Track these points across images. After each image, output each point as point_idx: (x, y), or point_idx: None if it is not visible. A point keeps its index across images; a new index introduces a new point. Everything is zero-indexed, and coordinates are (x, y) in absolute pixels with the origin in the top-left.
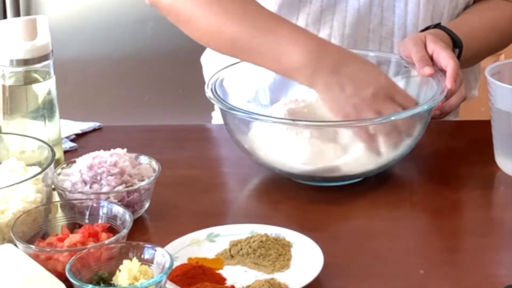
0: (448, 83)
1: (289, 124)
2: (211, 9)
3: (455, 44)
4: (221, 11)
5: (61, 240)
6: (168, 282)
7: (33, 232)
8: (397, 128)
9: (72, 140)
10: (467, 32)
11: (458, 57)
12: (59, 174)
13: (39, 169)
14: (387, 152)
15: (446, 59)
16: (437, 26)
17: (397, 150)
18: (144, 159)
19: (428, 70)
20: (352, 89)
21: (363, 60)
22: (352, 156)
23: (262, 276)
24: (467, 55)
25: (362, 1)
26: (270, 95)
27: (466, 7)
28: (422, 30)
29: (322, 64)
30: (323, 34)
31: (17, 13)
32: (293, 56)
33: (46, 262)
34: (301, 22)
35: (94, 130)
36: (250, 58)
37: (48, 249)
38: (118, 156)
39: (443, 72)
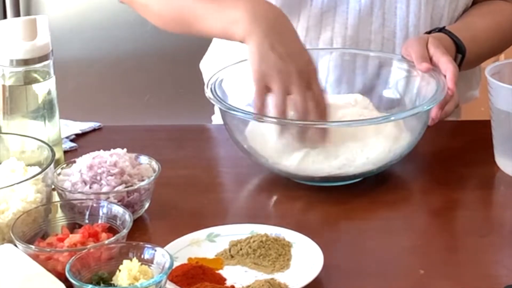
0: (450, 85)
1: (288, 124)
2: None
3: (458, 49)
4: None
5: (61, 240)
6: (168, 282)
7: (33, 232)
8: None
9: (72, 140)
10: (470, 36)
11: (461, 62)
12: (59, 174)
13: (39, 169)
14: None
15: (445, 63)
16: (442, 30)
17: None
18: (144, 159)
19: (425, 65)
20: (281, 53)
21: (297, 34)
22: (350, 156)
23: (262, 276)
24: (470, 58)
25: (363, 3)
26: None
27: (465, 9)
28: (426, 33)
29: (261, 19)
30: (324, 36)
31: (17, 13)
32: (234, 12)
33: (46, 262)
34: (302, 24)
35: (94, 130)
36: (197, 27)
37: (48, 249)
38: (118, 156)
39: (443, 75)
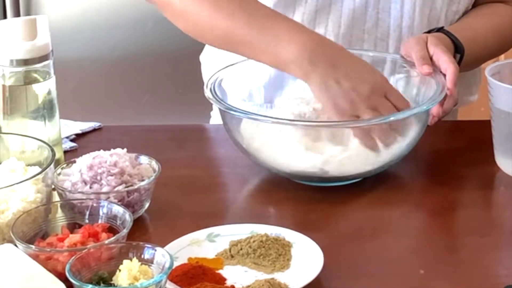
0: (449, 85)
1: (287, 124)
2: (204, 3)
3: (457, 49)
4: (215, 5)
5: (61, 240)
6: (168, 282)
7: (33, 232)
8: (391, 127)
9: (72, 140)
10: (468, 36)
11: (459, 62)
12: (59, 174)
13: (39, 169)
14: (382, 151)
15: (446, 62)
16: (440, 29)
17: (391, 149)
18: (144, 159)
19: (426, 68)
20: (349, 85)
21: (358, 57)
22: (349, 155)
23: (262, 276)
24: (468, 59)
25: (357, 2)
26: (265, 94)
27: (465, 12)
28: (425, 33)
29: (319, 57)
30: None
31: (17, 13)
32: (290, 48)
33: (46, 262)
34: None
35: (94, 130)
36: (245, 52)
37: (48, 249)
38: (118, 156)
39: (443, 74)
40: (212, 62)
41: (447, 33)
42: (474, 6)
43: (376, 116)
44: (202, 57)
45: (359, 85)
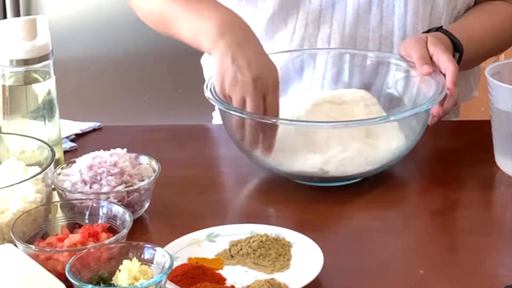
0: (449, 85)
1: (287, 124)
2: None
3: (456, 48)
4: None
5: (61, 240)
6: (168, 282)
7: (33, 232)
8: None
9: (72, 140)
10: (468, 35)
11: (458, 61)
12: (59, 174)
13: (39, 169)
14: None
15: (446, 62)
16: (439, 29)
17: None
18: (144, 159)
19: (426, 68)
20: (240, 64)
21: (263, 50)
22: (349, 155)
23: (262, 276)
24: (468, 58)
25: (361, 1)
26: None
27: (467, 9)
28: (424, 32)
29: (228, 31)
30: (323, 33)
31: (17, 13)
32: (205, 24)
33: (46, 262)
34: (300, 21)
35: (94, 130)
36: (171, 30)
37: (48, 249)
38: (118, 156)
39: (442, 74)
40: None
41: (446, 33)
42: (475, 3)
43: (376, 117)
44: (203, 61)
45: (247, 70)
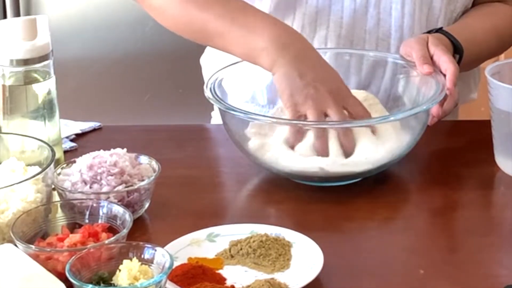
0: (449, 85)
1: (287, 124)
2: None
3: (456, 50)
4: None
5: (61, 240)
6: (168, 282)
7: (33, 232)
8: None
9: (72, 140)
10: (468, 37)
11: (458, 62)
12: (59, 174)
13: (39, 169)
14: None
15: (446, 63)
16: (439, 30)
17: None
18: (144, 159)
19: (427, 68)
20: (312, 79)
21: (320, 56)
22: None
23: (262, 276)
24: (468, 59)
25: (358, 2)
26: (268, 95)
27: (464, 11)
28: (425, 33)
29: (289, 47)
30: (319, 35)
31: (17, 13)
32: (262, 37)
33: (46, 262)
34: (297, 22)
35: (94, 130)
36: (219, 43)
37: (48, 249)
38: (118, 156)
39: (443, 75)
40: (213, 65)
41: (446, 34)
42: (473, 5)
43: (376, 117)
44: (203, 60)
45: (320, 84)
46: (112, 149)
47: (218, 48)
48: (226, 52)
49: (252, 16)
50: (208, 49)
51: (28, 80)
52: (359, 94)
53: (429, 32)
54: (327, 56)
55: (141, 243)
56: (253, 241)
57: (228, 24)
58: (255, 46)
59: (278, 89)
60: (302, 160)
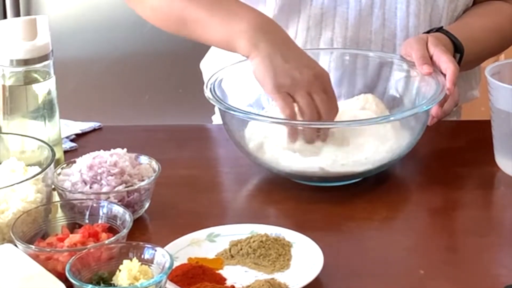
0: (449, 85)
1: (287, 124)
2: None
3: (456, 49)
4: None
5: (61, 240)
6: (168, 282)
7: (33, 232)
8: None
9: (72, 140)
10: (468, 36)
11: (459, 61)
12: (59, 174)
13: (39, 169)
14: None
15: (446, 62)
16: (439, 29)
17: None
18: (144, 159)
19: (426, 68)
20: (295, 64)
21: (301, 48)
22: (349, 155)
23: (262, 276)
24: (468, 58)
25: (363, 3)
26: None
27: (466, 9)
28: (425, 33)
29: (270, 32)
30: (325, 36)
31: (17, 13)
32: (243, 22)
33: (46, 262)
34: (302, 24)
35: (94, 130)
36: (197, 31)
37: (48, 249)
38: (118, 156)
39: (443, 75)
40: (213, 70)
41: (446, 33)
42: (474, 4)
43: (377, 117)
44: (203, 65)
45: (304, 68)
46: (112, 149)
47: (196, 37)
48: (204, 42)
49: (232, 4)
50: (208, 54)
51: (28, 80)
52: (363, 99)
53: (429, 31)
54: (333, 57)
55: (141, 243)
56: (253, 241)
57: (207, 11)
58: (234, 30)
59: (258, 72)
60: (302, 160)
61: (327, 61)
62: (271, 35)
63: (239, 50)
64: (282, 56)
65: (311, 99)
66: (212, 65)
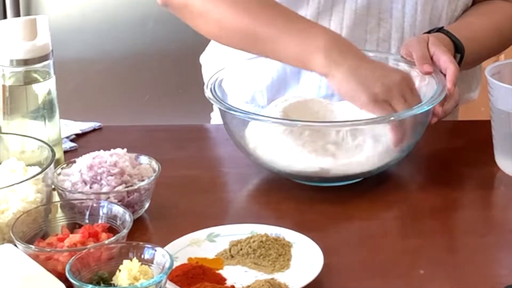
0: (449, 85)
1: (287, 124)
2: (225, 2)
3: (457, 49)
4: (235, 4)
5: (61, 240)
6: (168, 282)
7: (33, 232)
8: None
9: (72, 140)
10: (468, 35)
11: (460, 61)
12: (59, 174)
13: (39, 169)
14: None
15: (446, 62)
16: (440, 29)
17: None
18: (144, 159)
19: (427, 67)
20: (382, 70)
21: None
22: (349, 156)
23: (262, 276)
24: (469, 58)
25: (359, 3)
26: (268, 96)
27: (465, 9)
28: (425, 33)
29: (348, 49)
30: None
31: (17, 13)
32: (319, 39)
33: (46, 262)
34: None
35: (94, 130)
36: (267, 49)
37: (48, 249)
38: (118, 156)
39: (443, 75)
40: (213, 64)
41: (447, 33)
42: (473, 3)
43: (377, 117)
44: (203, 59)
45: (391, 72)
46: (112, 149)
47: (265, 54)
48: (275, 59)
49: (303, 23)
50: (208, 48)
51: (28, 80)
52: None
53: (429, 31)
54: None
55: (141, 243)
56: (253, 241)
57: (278, 26)
58: (309, 47)
59: (345, 88)
60: (302, 160)
61: None
62: (347, 51)
63: (316, 67)
64: (366, 67)
65: (405, 102)
66: (212, 59)
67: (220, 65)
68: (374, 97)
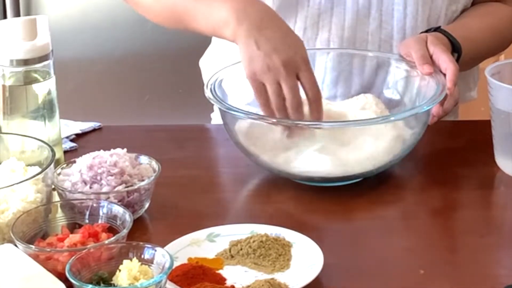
0: (449, 84)
1: (287, 124)
2: None
3: (454, 48)
4: None
5: (61, 240)
6: (168, 282)
7: (33, 232)
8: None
9: (72, 140)
10: (466, 36)
11: (457, 61)
12: (59, 174)
13: (39, 169)
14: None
15: (446, 62)
16: (437, 29)
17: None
18: (144, 159)
19: (427, 68)
20: (266, 50)
21: (286, 26)
22: (349, 155)
23: (262, 276)
24: (466, 58)
25: (360, 4)
26: None
27: (463, 10)
28: (423, 32)
29: (246, 19)
30: (322, 37)
31: (17, 13)
32: (221, 12)
33: (46, 262)
34: (299, 24)
35: (94, 130)
36: (186, 21)
37: (48, 249)
38: (118, 156)
39: (443, 74)
40: (212, 67)
41: (444, 33)
42: (472, 5)
43: (377, 117)
44: (202, 63)
45: (274, 53)
46: (112, 149)
47: (190, 29)
48: (196, 32)
49: None
50: (207, 52)
51: (28, 80)
52: (363, 100)
53: (427, 31)
54: (330, 57)
55: (141, 243)
56: (253, 241)
57: (193, 3)
58: (218, 19)
59: (241, 59)
60: (302, 160)
61: (323, 61)
62: (248, 18)
63: (227, 38)
64: (256, 42)
65: (279, 88)
66: (211, 63)
67: (220, 68)
68: (253, 72)
